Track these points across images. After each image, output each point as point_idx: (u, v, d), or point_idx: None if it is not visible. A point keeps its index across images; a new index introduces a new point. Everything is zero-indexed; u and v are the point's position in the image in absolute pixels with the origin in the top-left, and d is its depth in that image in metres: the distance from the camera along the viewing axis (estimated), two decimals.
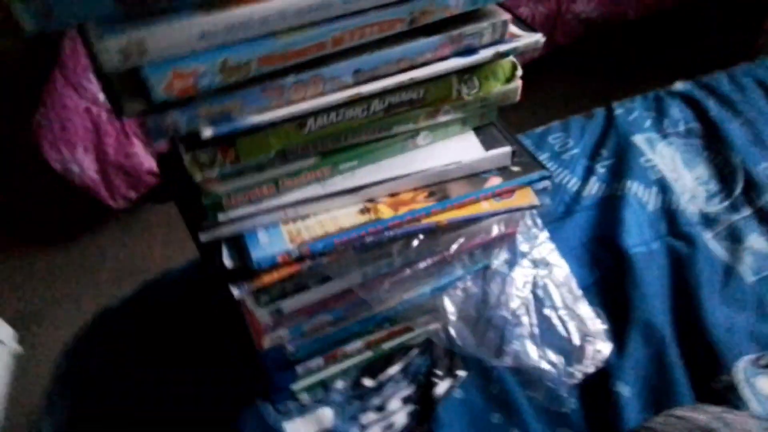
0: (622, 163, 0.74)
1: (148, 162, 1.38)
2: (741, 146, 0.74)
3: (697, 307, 0.58)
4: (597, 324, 0.48)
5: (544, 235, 0.52)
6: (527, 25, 0.48)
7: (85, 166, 1.36)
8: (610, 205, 0.69)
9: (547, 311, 0.46)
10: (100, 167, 1.38)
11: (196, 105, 0.37)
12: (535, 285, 0.47)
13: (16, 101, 1.41)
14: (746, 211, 0.67)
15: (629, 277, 0.62)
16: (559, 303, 0.47)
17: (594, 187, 0.73)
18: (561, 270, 0.51)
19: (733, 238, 0.65)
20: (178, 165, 0.42)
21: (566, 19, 1.71)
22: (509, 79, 0.49)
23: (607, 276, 0.63)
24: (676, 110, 0.81)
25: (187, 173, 0.42)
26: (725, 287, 0.61)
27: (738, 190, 0.69)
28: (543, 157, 0.79)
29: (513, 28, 0.47)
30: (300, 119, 0.42)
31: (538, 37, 0.46)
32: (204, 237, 0.45)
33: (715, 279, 0.61)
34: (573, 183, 0.75)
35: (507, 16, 0.45)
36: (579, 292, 0.51)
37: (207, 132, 0.38)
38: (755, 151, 0.73)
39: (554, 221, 0.70)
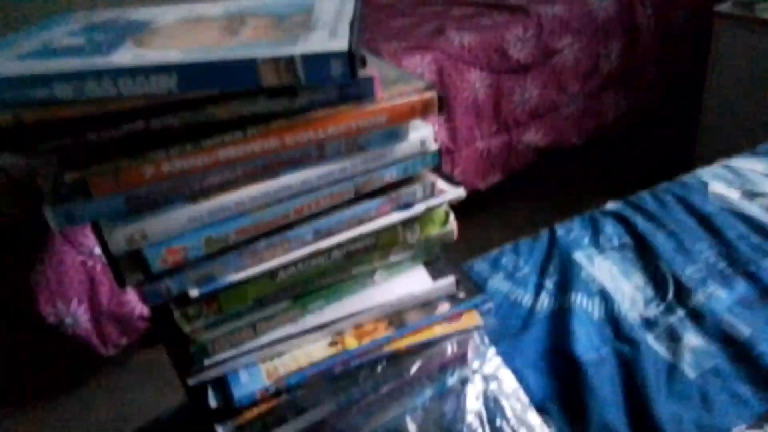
0: (567, 278, 0.83)
1: (140, 307, 1.44)
2: (668, 255, 0.84)
3: (647, 405, 0.64)
4: (545, 430, 0.53)
5: (492, 351, 0.59)
6: (453, 180, 0.59)
7: (79, 317, 1.42)
8: (561, 318, 0.77)
9: (499, 422, 0.52)
10: (93, 316, 1.44)
11: (186, 272, 0.46)
12: (486, 399, 0.53)
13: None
14: (681, 312, 0.75)
15: (583, 383, 0.68)
16: (509, 414, 0.53)
17: (545, 301, 0.81)
18: (509, 383, 0.57)
19: (672, 338, 0.72)
20: (168, 317, 0.50)
21: (519, 148, 1.92)
22: (444, 223, 0.60)
23: (564, 384, 0.69)
24: (610, 227, 0.92)
25: (176, 325, 0.50)
26: (670, 384, 0.67)
27: (670, 294, 0.78)
28: (498, 277, 0.88)
29: (441, 184, 0.58)
30: (272, 272, 0.51)
31: (460, 192, 0.57)
32: (192, 381, 0.52)
33: (661, 377, 0.67)
34: (527, 299, 0.83)
35: (434, 178, 0.57)
36: (527, 402, 0.56)
37: (194, 293, 0.46)
38: (681, 258, 0.83)
39: (513, 336, 0.78)
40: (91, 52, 0.40)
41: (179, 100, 0.40)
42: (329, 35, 0.39)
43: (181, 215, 0.43)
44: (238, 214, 0.46)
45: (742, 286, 0.77)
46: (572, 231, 0.93)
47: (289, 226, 0.49)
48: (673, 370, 0.68)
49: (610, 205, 0.98)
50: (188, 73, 0.37)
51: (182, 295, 0.48)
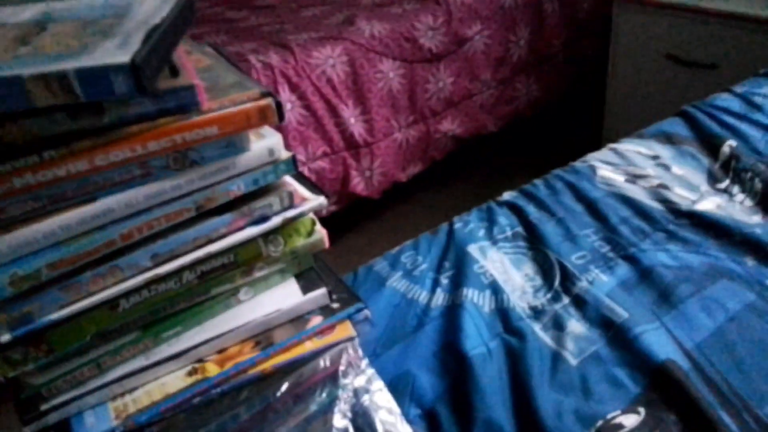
0: (460, 272, 0.83)
1: None
2: (555, 243, 0.85)
3: (530, 397, 0.64)
4: None
5: (365, 362, 0.57)
6: (315, 187, 0.56)
7: None
8: (453, 314, 0.77)
9: None
10: None
11: None
12: (355, 414, 0.51)
13: None
14: (565, 300, 0.77)
15: (470, 379, 0.67)
16: (378, 428, 0.51)
17: (440, 298, 0.81)
18: (381, 394, 0.55)
19: (557, 326, 0.73)
20: None
21: (437, 138, 1.93)
22: (311, 232, 0.57)
23: (454, 382, 0.69)
24: (503, 218, 0.93)
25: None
26: (553, 374, 0.67)
27: (557, 282, 0.79)
28: (397, 275, 0.86)
29: (303, 192, 0.55)
30: (111, 302, 0.47)
31: (322, 200, 0.54)
32: (29, 429, 0.47)
33: (545, 367, 0.68)
34: (423, 297, 0.82)
35: (293, 187, 0.54)
36: (398, 411, 0.55)
37: (5, 337, 0.41)
38: (567, 245, 0.85)
39: (408, 335, 0.76)
40: None
41: None
42: (119, 46, 0.35)
43: None
44: (49, 246, 0.41)
45: (622, 270, 0.79)
46: (469, 223, 0.93)
47: (119, 252, 0.45)
48: (557, 358, 0.69)
49: (506, 195, 0.99)
50: None
51: None
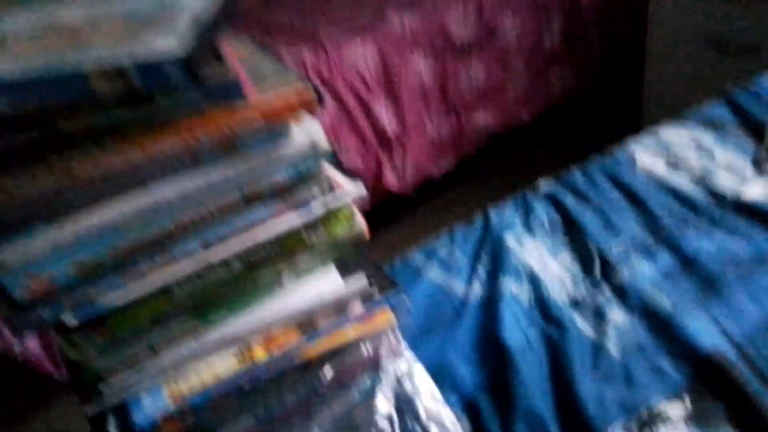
0: (497, 263, 0.83)
1: None
2: (595, 232, 0.84)
3: (571, 386, 0.64)
4: (457, 428, 0.53)
5: (406, 349, 0.58)
6: (353, 175, 0.57)
7: (27, 341, 1.36)
8: (491, 304, 0.77)
9: (410, 423, 0.51)
10: (43, 339, 1.39)
11: (59, 299, 0.43)
12: (398, 400, 0.52)
13: None
14: (606, 290, 0.76)
15: (510, 369, 0.67)
16: (422, 414, 0.52)
17: (477, 289, 0.81)
18: (423, 381, 0.56)
19: (598, 316, 0.72)
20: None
21: (469, 131, 1.92)
22: (350, 221, 0.58)
23: (494, 372, 0.69)
24: (540, 208, 0.92)
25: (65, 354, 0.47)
26: (595, 363, 0.67)
27: (597, 272, 0.78)
28: (433, 266, 0.87)
29: (341, 182, 0.56)
30: (164, 289, 0.49)
31: (361, 188, 0.55)
32: (90, 410, 0.49)
33: (585, 357, 0.68)
34: (460, 287, 0.82)
35: (332, 176, 0.55)
36: (440, 399, 0.56)
37: (71, 321, 0.44)
38: (607, 234, 0.84)
39: (446, 325, 0.77)
40: None
41: (22, 116, 0.37)
42: (171, 38, 0.37)
43: (41, 241, 0.41)
44: (108, 233, 0.43)
45: (665, 258, 0.78)
46: (505, 213, 0.93)
47: (172, 240, 0.47)
48: (598, 349, 0.68)
49: (543, 185, 0.98)
50: (16, 90, 0.34)
51: (62, 323, 0.45)
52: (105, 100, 0.36)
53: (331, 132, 1.65)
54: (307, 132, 0.50)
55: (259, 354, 0.54)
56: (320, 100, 0.47)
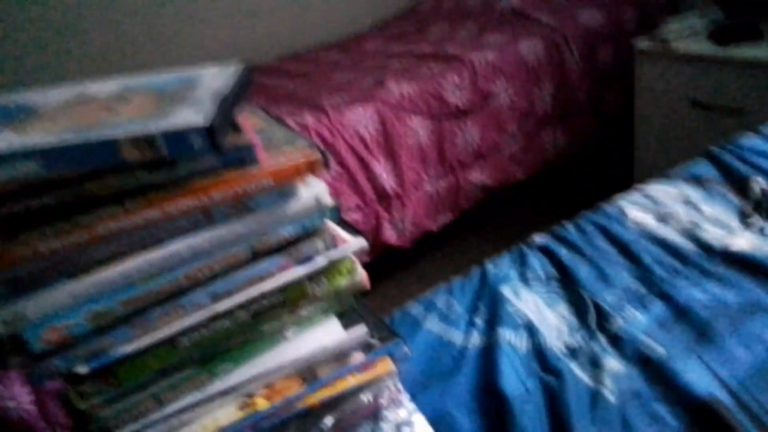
0: (494, 313, 0.85)
1: None
2: (589, 283, 0.87)
3: None
4: None
5: (406, 397, 0.59)
6: (355, 230, 0.61)
7: (21, 398, 1.35)
8: (489, 354, 0.78)
9: None
10: (36, 397, 1.38)
11: (72, 349, 0.46)
12: None
13: None
14: (602, 338, 0.77)
15: (510, 419, 0.68)
16: None
17: (476, 339, 0.82)
18: (422, 429, 0.57)
19: (594, 364, 0.74)
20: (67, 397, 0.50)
21: (466, 188, 1.98)
22: (352, 273, 0.61)
23: (494, 421, 0.70)
24: (536, 261, 0.95)
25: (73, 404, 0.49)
26: (593, 411, 0.67)
27: (592, 321, 0.80)
28: (432, 318, 0.89)
29: (344, 235, 0.60)
30: (171, 340, 0.51)
31: (362, 242, 0.59)
32: None
33: (584, 405, 0.68)
34: (459, 338, 0.84)
35: (335, 231, 0.58)
36: None
37: (83, 370, 0.46)
38: (601, 285, 0.86)
39: (445, 377, 0.78)
40: None
41: (54, 180, 0.41)
42: (195, 111, 0.41)
43: (61, 293, 0.44)
44: (123, 286, 0.46)
45: (658, 308, 0.80)
46: (501, 266, 0.95)
47: (182, 292, 0.50)
48: (595, 396, 0.69)
49: (537, 239, 1.01)
50: (51, 156, 0.39)
51: (74, 373, 0.47)
52: (133, 166, 0.40)
53: (333, 190, 1.70)
54: (313, 190, 0.54)
55: (261, 403, 0.55)
56: (326, 162, 0.51)
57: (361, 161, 1.76)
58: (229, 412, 0.54)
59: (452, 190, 1.96)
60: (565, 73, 2.09)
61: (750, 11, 1.79)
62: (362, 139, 1.76)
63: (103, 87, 0.52)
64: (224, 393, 0.55)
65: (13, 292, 0.42)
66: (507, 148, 2.04)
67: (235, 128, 0.46)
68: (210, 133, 0.39)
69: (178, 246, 0.48)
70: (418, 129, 1.86)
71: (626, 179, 2.00)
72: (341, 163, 1.73)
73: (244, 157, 0.47)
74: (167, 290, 0.49)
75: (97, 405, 0.49)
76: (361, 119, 1.76)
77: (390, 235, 1.82)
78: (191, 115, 0.40)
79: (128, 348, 0.48)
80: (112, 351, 0.47)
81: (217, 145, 0.40)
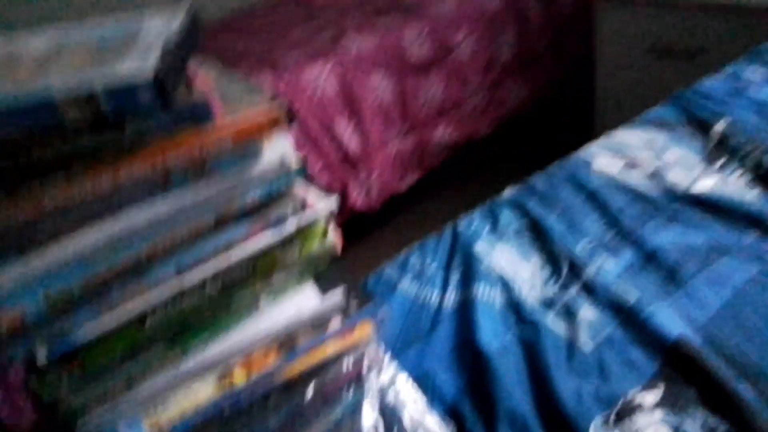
0: (469, 270, 0.84)
1: None
2: (560, 234, 0.87)
3: (549, 385, 0.65)
4: None
5: (387, 359, 0.58)
6: (324, 190, 0.58)
7: None
8: (466, 311, 0.78)
9: None
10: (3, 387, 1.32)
11: (30, 335, 0.42)
12: (382, 410, 0.52)
13: None
14: (575, 288, 0.78)
15: (489, 373, 0.68)
16: (407, 422, 0.52)
17: (452, 296, 0.82)
18: (406, 389, 0.56)
19: (569, 314, 0.74)
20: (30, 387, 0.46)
21: (431, 146, 1.95)
22: (325, 236, 0.58)
23: (474, 378, 0.70)
24: (507, 214, 0.94)
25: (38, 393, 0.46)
26: (570, 360, 0.68)
27: (565, 271, 0.81)
28: (406, 279, 0.88)
29: (313, 198, 0.57)
30: (139, 318, 0.48)
31: (332, 202, 0.56)
32: None
33: (561, 355, 0.69)
34: (434, 297, 0.83)
35: (304, 192, 0.55)
36: (425, 406, 0.56)
37: (42, 357, 0.42)
38: (571, 235, 0.87)
39: (423, 336, 0.77)
40: None
41: None
42: (139, 61, 0.37)
43: (11, 273, 0.40)
44: (79, 263, 0.43)
45: (628, 254, 0.81)
46: (473, 223, 0.95)
47: (144, 266, 0.46)
48: (571, 346, 0.70)
49: (507, 192, 1.01)
50: None
51: (35, 360, 0.44)
52: (75, 127, 0.36)
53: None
54: (277, 149, 0.50)
55: (239, 378, 0.53)
56: (290, 117, 0.47)
57: (323, 122, 1.71)
58: (205, 389, 0.52)
59: (418, 148, 1.93)
60: (526, 21, 2.06)
61: None
62: (322, 99, 1.70)
63: (33, 42, 0.47)
64: (199, 369, 0.52)
65: None
66: (470, 101, 2.01)
67: (187, 83, 0.42)
68: (158, 85, 0.35)
69: (135, 216, 0.44)
70: (379, 86, 1.81)
71: (589, 129, 2.02)
72: (302, 126, 1.67)
73: (198, 115, 0.43)
74: (128, 265, 0.45)
75: (63, 393, 0.46)
76: (320, 77, 1.70)
77: (357, 197, 1.80)
78: (135, 67, 0.35)
79: (91, 331, 0.45)
80: (74, 335, 0.44)
81: (167, 101, 0.36)
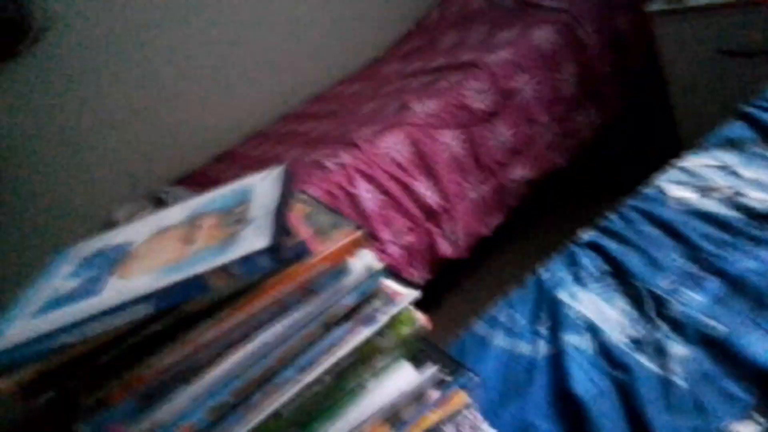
0: (556, 319, 0.89)
1: None
2: (641, 272, 0.89)
3: (647, 425, 0.68)
4: None
5: (485, 425, 0.65)
6: (407, 282, 0.68)
7: None
8: (558, 361, 0.83)
9: None
10: None
11: None
12: None
13: None
14: (663, 326, 0.80)
15: (588, 420, 0.73)
16: None
17: (543, 348, 0.87)
18: None
19: (660, 352, 0.77)
20: None
21: (510, 187, 2.00)
22: (413, 320, 0.68)
23: (573, 424, 0.74)
24: (586, 258, 0.98)
25: None
26: (666, 398, 0.71)
27: (651, 310, 0.83)
28: (498, 334, 0.94)
29: (399, 289, 0.67)
30: (275, 413, 0.60)
31: (416, 293, 0.66)
32: None
33: (656, 394, 0.72)
34: (527, 350, 0.89)
35: (389, 288, 0.66)
36: None
37: None
38: (653, 271, 0.89)
39: (521, 389, 0.83)
40: (86, 295, 0.52)
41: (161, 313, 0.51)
42: (258, 234, 0.50)
43: (182, 398, 0.53)
44: (229, 380, 0.56)
45: (713, 284, 0.82)
46: (555, 271, 1.00)
47: (275, 373, 0.59)
48: (666, 384, 0.73)
49: (584, 235, 1.05)
50: (158, 298, 0.49)
51: None
52: (217, 287, 0.50)
53: (382, 219, 1.79)
54: (363, 260, 0.62)
55: None
56: (373, 236, 0.59)
57: (403, 185, 1.83)
58: None
59: (496, 191, 1.99)
60: (584, 52, 2.08)
61: None
62: (398, 164, 1.83)
63: (173, 214, 0.63)
64: None
65: (146, 405, 0.52)
66: (542, 138, 2.05)
67: (288, 231, 0.55)
68: (274, 250, 0.48)
69: (265, 337, 0.57)
70: (449, 142, 1.91)
71: (673, 144, 1.96)
72: (385, 192, 1.80)
73: (299, 253, 0.56)
74: (263, 374, 0.58)
75: None
76: (394, 145, 1.84)
77: (445, 248, 1.88)
78: (256, 241, 0.49)
79: (242, 430, 0.57)
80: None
81: (280, 259, 0.49)
